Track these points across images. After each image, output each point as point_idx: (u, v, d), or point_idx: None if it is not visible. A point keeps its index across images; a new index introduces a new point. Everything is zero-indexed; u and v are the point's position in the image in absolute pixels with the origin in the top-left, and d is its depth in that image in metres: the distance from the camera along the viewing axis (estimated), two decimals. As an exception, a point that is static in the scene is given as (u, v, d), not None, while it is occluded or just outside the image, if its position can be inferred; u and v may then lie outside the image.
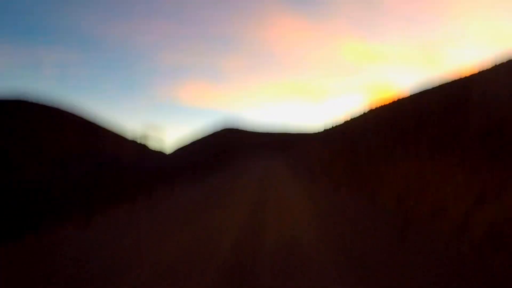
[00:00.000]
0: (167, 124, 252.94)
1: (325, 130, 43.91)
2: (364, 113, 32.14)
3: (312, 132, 79.21)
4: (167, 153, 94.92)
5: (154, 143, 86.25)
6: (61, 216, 10.72)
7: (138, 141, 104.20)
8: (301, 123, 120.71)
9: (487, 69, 16.40)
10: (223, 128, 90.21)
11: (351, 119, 34.45)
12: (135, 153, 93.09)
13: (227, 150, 72.55)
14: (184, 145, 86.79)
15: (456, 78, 17.48)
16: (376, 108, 29.46)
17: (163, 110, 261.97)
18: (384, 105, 25.62)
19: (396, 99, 24.23)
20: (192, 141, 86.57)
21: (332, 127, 39.20)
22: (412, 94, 20.85)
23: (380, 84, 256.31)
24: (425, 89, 20.25)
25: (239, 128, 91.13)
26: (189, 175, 47.91)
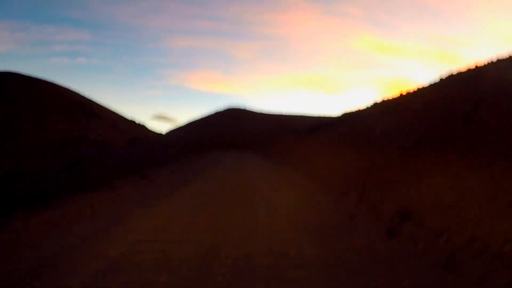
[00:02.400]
0: (179, 108, 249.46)
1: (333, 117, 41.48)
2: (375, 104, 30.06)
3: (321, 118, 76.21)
4: (164, 133, 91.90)
5: (162, 125, 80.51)
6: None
7: (137, 122, 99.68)
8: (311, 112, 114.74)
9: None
10: (227, 108, 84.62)
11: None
12: (131, 135, 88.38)
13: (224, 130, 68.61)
14: (183, 124, 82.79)
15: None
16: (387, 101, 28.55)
17: (175, 93, 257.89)
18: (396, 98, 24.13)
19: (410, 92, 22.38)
20: (192, 120, 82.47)
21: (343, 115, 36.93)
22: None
23: (395, 78, 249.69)
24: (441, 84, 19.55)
25: (244, 109, 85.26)
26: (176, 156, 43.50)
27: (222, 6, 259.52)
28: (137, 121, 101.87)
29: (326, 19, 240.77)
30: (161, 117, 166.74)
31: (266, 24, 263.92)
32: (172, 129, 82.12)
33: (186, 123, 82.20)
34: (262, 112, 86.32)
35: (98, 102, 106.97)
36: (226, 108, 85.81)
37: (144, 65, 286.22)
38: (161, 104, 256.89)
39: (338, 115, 41.32)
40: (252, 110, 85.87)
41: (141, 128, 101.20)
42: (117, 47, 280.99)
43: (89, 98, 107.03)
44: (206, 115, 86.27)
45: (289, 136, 51.33)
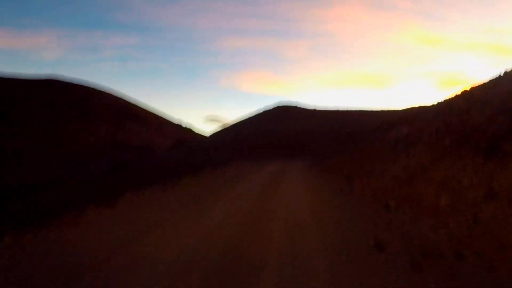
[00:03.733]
0: (231, 109, 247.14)
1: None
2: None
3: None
4: (209, 135, 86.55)
5: (213, 128, 75.01)
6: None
7: (184, 126, 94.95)
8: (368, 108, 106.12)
9: None
10: (276, 106, 77.32)
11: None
12: (176, 139, 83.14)
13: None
14: (229, 125, 76.64)
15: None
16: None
17: (226, 95, 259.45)
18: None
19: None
20: (239, 121, 76.14)
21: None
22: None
23: (447, 72, 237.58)
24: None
25: (296, 106, 77.32)
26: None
27: (269, 4, 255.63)
28: (183, 124, 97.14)
29: (375, 13, 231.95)
30: (212, 119, 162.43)
31: (315, 21, 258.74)
32: (216, 131, 76.47)
33: (231, 124, 76.35)
34: (316, 109, 78.77)
35: (143, 106, 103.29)
36: (275, 106, 79.06)
37: (194, 67, 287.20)
38: (213, 106, 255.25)
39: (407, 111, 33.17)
40: (305, 107, 78.30)
41: (188, 131, 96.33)
42: (166, 50, 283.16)
43: (133, 101, 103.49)
44: (253, 115, 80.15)
45: (355, 139, 43.44)
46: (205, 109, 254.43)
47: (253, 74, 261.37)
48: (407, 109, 61.95)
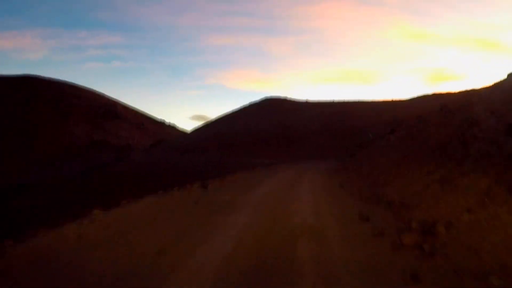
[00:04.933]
0: (217, 107, 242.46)
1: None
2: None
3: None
4: (190, 132, 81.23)
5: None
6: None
7: (167, 124, 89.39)
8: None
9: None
10: (264, 99, 71.65)
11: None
12: (158, 137, 77.49)
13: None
14: (211, 121, 70.98)
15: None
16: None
17: (212, 93, 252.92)
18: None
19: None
20: (222, 115, 70.58)
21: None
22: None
23: (434, 68, 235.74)
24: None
25: (285, 99, 71.54)
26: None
27: (254, 1, 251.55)
28: (167, 122, 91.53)
29: (361, 9, 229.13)
30: (199, 117, 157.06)
31: (301, 17, 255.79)
32: (198, 127, 70.51)
33: (214, 120, 70.07)
34: (309, 101, 71.85)
35: (124, 104, 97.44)
36: (262, 100, 72.48)
37: (180, 65, 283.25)
38: (199, 104, 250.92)
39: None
40: (295, 100, 71.36)
41: (171, 129, 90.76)
42: (151, 49, 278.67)
43: (114, 99, 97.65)
44: (238, 109, 73.64)
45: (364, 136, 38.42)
46: (191, 107, 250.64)
47: (239, 72, 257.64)
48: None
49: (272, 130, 53.45)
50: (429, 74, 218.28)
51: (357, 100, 68.91)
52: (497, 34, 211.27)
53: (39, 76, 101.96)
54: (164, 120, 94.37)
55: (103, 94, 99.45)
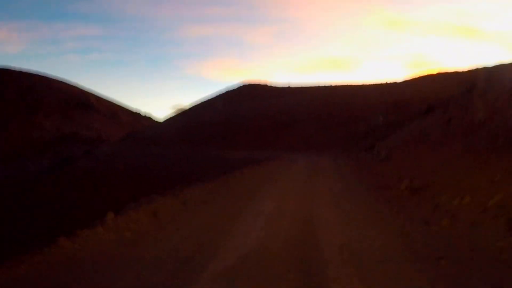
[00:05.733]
0: (196, 98, 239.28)
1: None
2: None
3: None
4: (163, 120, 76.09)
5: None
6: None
7: (142, 114, 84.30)
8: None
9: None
10: (242, 85, 66.52)
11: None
12: (133, 128, 72.45)
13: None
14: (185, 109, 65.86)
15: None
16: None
17: (192, 83, 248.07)
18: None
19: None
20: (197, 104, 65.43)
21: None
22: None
23: (413, 55, 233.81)
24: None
25: (265, 84, 66.36)
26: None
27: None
28: (142, 113, 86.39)
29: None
30: (179, 108, 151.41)
31: (279, 6, 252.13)
32: (172, 116, 65.15)
33: (189, 107, 64.35)
34: (291, 86, 65.49)
35: (98, 95, 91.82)
36: (240, 85, 66.58)
37: (158, 56, 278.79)
38: (179, 95, 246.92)
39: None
40: (276, 85, 65.37)
41: (146, 120, 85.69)
42: (130, 40, 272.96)
43: (87, 90, 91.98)
44: (213, 96, 67.71)
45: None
46: (171, 99, 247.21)
47: (219, 62, 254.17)
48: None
49: (253, 118, 48.29)
50: (409, 61, 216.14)
51: (345, 84, 63.31)
52: (475, 21, 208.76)
53: (9, 67, 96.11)
54: (139, 110, 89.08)
55: (76, 84, 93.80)
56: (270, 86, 65.06)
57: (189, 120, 54.41)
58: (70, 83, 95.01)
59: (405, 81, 57.28)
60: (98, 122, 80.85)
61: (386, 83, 58.13)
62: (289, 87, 63.88)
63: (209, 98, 64.50)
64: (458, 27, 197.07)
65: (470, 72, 47.06)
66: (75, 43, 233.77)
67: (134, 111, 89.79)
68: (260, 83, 66.24)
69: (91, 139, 72.65)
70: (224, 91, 64.55)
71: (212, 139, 42.92)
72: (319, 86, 62.97)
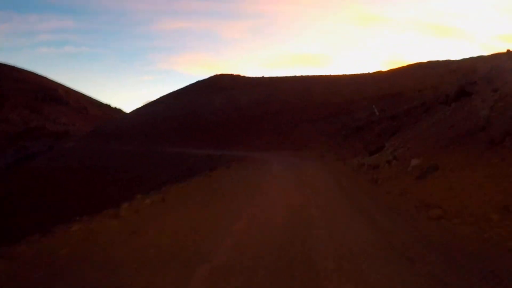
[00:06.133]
0: (168, 92, 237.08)
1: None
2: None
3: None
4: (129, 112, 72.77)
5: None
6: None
7: (112, 107, 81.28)
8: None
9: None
10: (213, 76, 63.81)
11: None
12: (102, 121, 69.48)
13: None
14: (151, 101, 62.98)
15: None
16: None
17: (165, 78, 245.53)
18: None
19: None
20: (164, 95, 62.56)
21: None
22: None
23: (388, 52, 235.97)
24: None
25: (238, 75, 63.63)
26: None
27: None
28: (112, 106, 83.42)
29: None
30: (146, 102, 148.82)
31: (253, 2, 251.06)
32: (136, 110, 61.89)
33: (153, 101, 60.66)
34: (265, 77, 63.19)
35: (67, 87, 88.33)
36: (211, 76, 62.94)
37: (132, 50, 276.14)
38: (152, 89, 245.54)
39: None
40: (250, 77, 63.89)
41: (116, 113, 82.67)
42: (104, 34, 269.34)
43: (57, 82, 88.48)
44: (181, 89, 66.09)
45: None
46: (144, 93, 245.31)
47: (191, 56, 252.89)
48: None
49: (221, 111, 45.44)
50: (382, 57, 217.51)
51: (323, 75, 59.34)
52: (451, 20, 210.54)
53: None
54: (109, 104, 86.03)
55: (45, 76, 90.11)
56: (243, 77, 62.12)
57: (154, 114, 51.65)
58: (39, 75, 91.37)
59: (391, 71, 53.09)
60: (66, 116, 77.62)
61: (370, 74, 54.00)
62: (263, 77, 61.09)
63: (175, 90, 61.31)
64: (435, 26, 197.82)
65: (457, 62, 44.33)
66: (49, 35, 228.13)
67: (104, 104, 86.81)
68: (233, 74, 63.42)
69: (57, 133, 69.59)
70: (194, 83, 61.49)
71: (175, 134, 40.13)
72: (295, 76, 59.61)
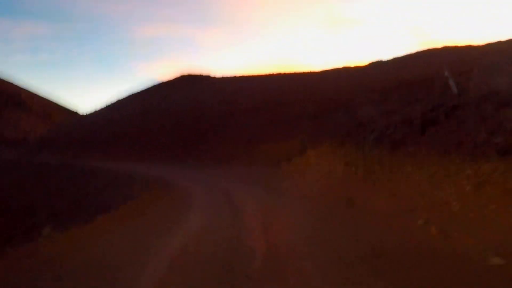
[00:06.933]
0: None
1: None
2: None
3: None
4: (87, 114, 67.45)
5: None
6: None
7: (80, 113, 76.20)
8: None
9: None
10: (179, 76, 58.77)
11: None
12: (66, 129, 64.50)
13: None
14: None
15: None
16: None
17: (139, 84, 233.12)
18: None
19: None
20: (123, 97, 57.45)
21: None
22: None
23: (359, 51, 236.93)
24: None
25: (208, 75, 58.47)
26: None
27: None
28: (80, 112, 78.23)
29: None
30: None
31: (229, 8, 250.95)
32: (95, 110, 56.65)
33: (107, 104, 54.90)
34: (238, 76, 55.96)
35: (33, 92, 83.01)
36: (177, 77, 57.46)
37: (109, 58, 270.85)
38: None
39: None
40: (221, 77, 56.11)
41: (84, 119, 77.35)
42: (80, 40, 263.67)
43: (20, 87, 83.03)
44: (141, 89, 57.13)
45: None
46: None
47: (168, 63, 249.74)
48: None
49: (179, 113, 38.90)
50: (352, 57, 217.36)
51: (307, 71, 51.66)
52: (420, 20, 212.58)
53: None
54: (77, 110, 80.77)
55: (9, 81, 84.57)
56: (213, 77, 56.58)
57: (102, 117, 46.75)
58: (1, 79, 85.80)
59: (401, 57, 44.17)
60: (28, 122, 72.36)
61: (373, 63, 45.65)
62: (234, 76, 55.59)
63: (131, 92, 55.46)
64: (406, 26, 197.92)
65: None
66: (23, 42, 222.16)
67: (73, 110, 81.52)
68: (202, 74, 58.01)
69: (15, 140, 64.56)
70: (154, 85, 56.06)
71: (114, 141, 34.61)
72: (272, 74, 53.08)
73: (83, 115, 67.09)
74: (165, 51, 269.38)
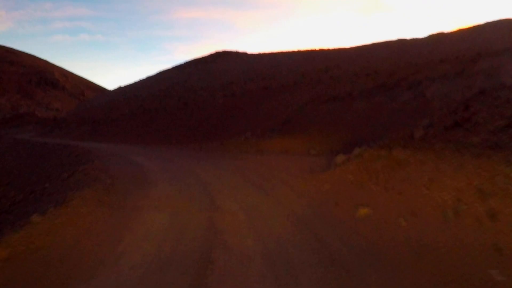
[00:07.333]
0: None
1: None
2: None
3: None
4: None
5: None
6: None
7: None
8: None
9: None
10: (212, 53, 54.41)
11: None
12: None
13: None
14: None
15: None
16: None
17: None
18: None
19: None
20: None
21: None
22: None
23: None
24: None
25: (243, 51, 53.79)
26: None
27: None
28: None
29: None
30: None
31: None
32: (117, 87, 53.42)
33: (133, 82, 51.38)
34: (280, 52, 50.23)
35: (67, 71, 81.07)
36: (212, 53, 54.89)
37: (148, 39, 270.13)
38: None
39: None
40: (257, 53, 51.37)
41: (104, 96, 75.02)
42: (119, 22, 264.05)
43: (56, 66, 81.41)
44: (170, 67, 54.14)
45: None
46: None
47: (207, 45, 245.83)
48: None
49: (204, 90, 33.82)
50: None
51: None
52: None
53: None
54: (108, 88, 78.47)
55: (43, 59, 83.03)
56: (249, 54, 51.68)
57: (121, 95, 43.07)
58: (38, 58, 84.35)
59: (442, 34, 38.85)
60: (61, 101, 70.25)
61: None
62: (271, 53, 50.38)
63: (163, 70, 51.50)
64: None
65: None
66: (63, 23, 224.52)
67: (104, 88, 79.26)
68: (238, 51, 53.20)
69: (46, 119, 62.54)
70: (189, 61, 51.87)
71: (125, 122, 30.26)
72: (314, 49, 47.62)
73: (105, 93, 63.97)
74: (202, 33, 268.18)
